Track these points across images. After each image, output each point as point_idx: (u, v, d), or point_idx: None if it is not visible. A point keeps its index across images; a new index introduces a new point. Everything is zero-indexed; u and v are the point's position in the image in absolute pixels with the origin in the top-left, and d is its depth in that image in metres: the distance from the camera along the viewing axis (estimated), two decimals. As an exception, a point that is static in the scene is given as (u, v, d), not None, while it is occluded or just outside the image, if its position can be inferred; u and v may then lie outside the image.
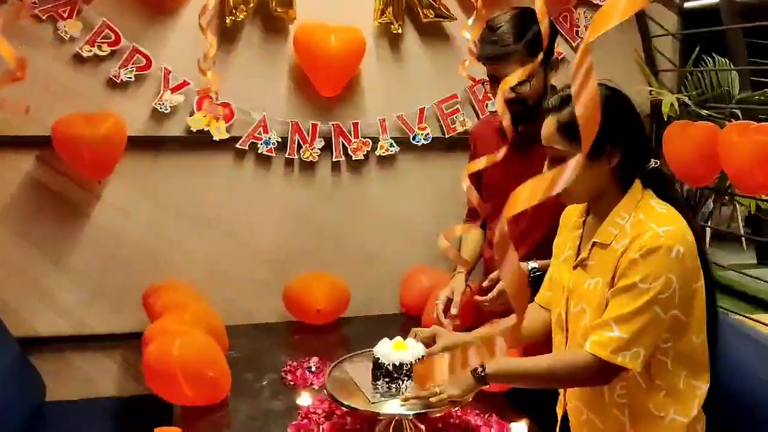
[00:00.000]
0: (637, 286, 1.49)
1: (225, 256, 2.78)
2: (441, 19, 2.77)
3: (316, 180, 2.83)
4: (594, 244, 1.63)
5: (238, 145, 2.71)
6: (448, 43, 2.84)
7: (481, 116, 2.88)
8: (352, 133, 2.78)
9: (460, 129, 2.86)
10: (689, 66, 3.08)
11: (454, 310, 2.12)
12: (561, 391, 1.79)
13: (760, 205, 4.00)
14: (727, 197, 3.43)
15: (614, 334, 1.51)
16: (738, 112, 2.73)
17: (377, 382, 1.76)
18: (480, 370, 1.62)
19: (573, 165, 0.87)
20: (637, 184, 1.62)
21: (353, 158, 2.80)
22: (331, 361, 2.21)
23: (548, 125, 1.61)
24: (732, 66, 3.12)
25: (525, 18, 2.04)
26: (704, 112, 2.74)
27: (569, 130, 1.56)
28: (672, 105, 2.71)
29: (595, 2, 2.83)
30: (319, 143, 2.77)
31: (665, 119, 2.74)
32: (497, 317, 2.15)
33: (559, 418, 1.82)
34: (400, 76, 2.83)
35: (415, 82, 2.85)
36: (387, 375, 1.75)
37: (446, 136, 2.87)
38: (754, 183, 2.43)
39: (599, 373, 1.54)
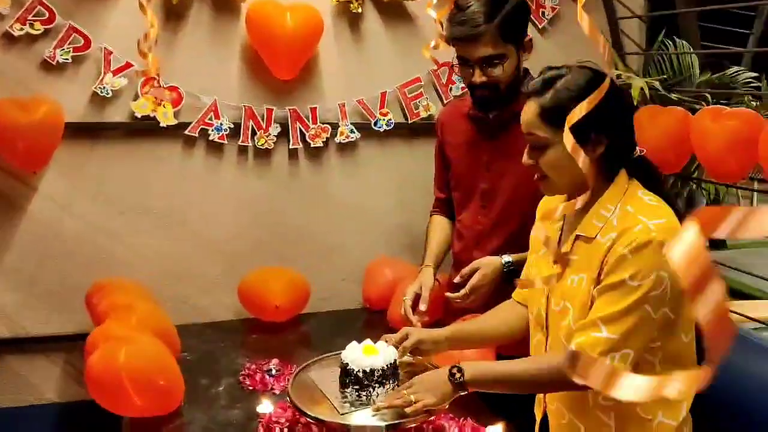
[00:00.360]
0: (627, 283, 1.39)
1: (174, 251, 2.60)
2: (403, -2, 2.62)
3: (272, 169, 2.66)
4: (577, 237, 1.53)
5: (187, 132, 2.52)
6: (410, 23, 2.70)
7: (445, 101, 2.75)
8: (310, 119, 2.63)
9: (423, 114, 2.73)
10: (655, 49, 3.01)
11: (422, 307, 2.00)
12: None
13: (719, 191, 4.00)
14: (693, 183, 3.39)
15: (602, 334, 1.41)
16: (708, 95, 2.66)
17: (346, 390, 1.63)
18: (458, 375, 1.51)
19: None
20: (623, 174, 1.52)
21: (311, 145, 2.64)
22: (292, 363, 2.09)
23: (529, 110, 1.50)
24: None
25: None
26: (674, 96, 2.67)
27: (552, 115, 1.45)
28: (642, 89, 2.62)
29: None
30: (275, 129, 2.60)
31: (634, 104, 2.66)
32: (467, 313, 2.05)
33: (538, 421, 1.72)
34: (360, 58, 2.68)
35: (376, 65, 2.70)
36: (356, 382, 1.61)
37: (409, 121, 2.73)
38: (728, 169, 2.37)
39: None
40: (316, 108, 2.62)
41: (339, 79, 2.67)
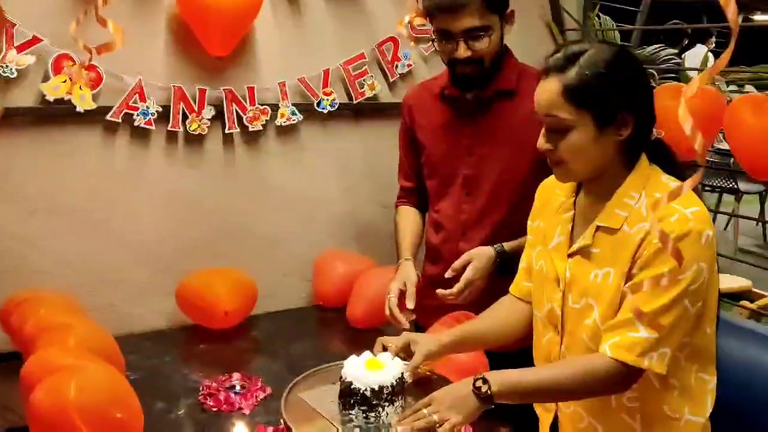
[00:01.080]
0: (666, 278, 1.28)
1: (97, 254, 2.27)
2: (345, -33, 2.40)
3: (206, 156, 2.38)
4: (598, 228, 1.41)
5: (108, 117, 2.19)
6: (352, -5, 2.49)
7: (391, 78, 2.56)
8: (248, 100, 2.36)
9: (369, 93, 2.53)
10: (591, 24, 2.96)
11: (410, 304, 1.82)
12: None
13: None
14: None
15: (640, 334, 1.30)
16: (654, 71, 2.64)
17: (351, 412, 1.43)
18: (484, 389, 1.35)
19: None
20: (644, 159, 1.41)
21: (249, 129, 2.38)
22: (255, 377, 1.87)
23: (549, 89, 1.35)
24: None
25: None
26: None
27: (578, 94, 1.31)
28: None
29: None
30: (209, 112, 2.32)
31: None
32: (444, 313, 1.90)
33: (547, 424, 1.60)
34: (300, 33, 2.44)
35: (318, 40, 2.47)
36: (363, 402, 1.42)
37: (354, 101, 2.53)
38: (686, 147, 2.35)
39: (622, 380, 1.33)
40: (253, 88, 2.36)
41: (278, 56, 2.42)
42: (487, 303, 1.74)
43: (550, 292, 1.50)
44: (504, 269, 1.80)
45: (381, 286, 2.19)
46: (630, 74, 1.35)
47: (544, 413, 1.61)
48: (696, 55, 4.69)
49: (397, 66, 2.57)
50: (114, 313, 2.26)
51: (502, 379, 1.37)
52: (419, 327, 2.16)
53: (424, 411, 1.35)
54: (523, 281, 1.66)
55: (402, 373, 1.47)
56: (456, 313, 1.85)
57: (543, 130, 1.40)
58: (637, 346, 1.29)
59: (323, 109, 2.47)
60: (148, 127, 2.24)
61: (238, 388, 1.83)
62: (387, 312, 1.83)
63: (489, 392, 1.34)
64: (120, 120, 2.21)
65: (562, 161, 1.38)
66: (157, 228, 2.34)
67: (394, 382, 1.44)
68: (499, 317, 1.66)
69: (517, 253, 1.84)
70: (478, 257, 1.80)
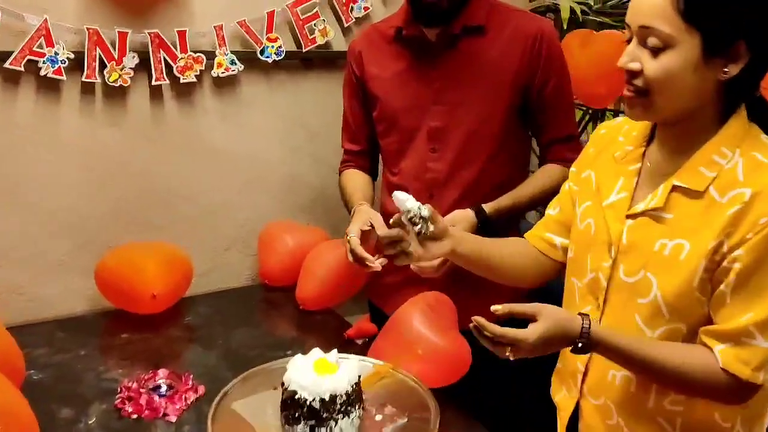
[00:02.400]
0: None
1: (2, 225, 1.93)
2: None
3: (130, 112, 2.03)
4: (675, 188, 1.13)
5: (7, 65, 1.83)
6: (302, -77, 2.14)
7: (346, 23, 2.24)
8: (178, 46, 2.01)
9: (320, 41, 2.20)
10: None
11: (382, 232, 1.42)
12: (573, 372, 1.30)
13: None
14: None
15: (758, 343, 1.05)
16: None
17: (296, 427, 1.15)
18: (585, 330, 1.11)
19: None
20: (743, 111, 1.13)
21: (181, 80, 2.04)
22: (185, 373, 1.57)
23: None
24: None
25: None
26: (607, 19, 2.34)
27: (692, 5, 1.02)
28: (573, 11, 2.27)
29: None
30: (131, 60, 1.97)
31: (564, 28, 2.30)
32: (412, 288, 1.64)
33: (565, 412, 1.33)
34: (239, -33, 2.09)
35: (260, -24, 2.13)
36: (311, 416, 1.14)
37: (303, 50, 2.19)
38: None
39: (736, 394, 1.10)
40: (185, 32, 2.01)
41: (214, -6, 2.07)
42: (464, 280, 1.48)
43: (598, 257, 1.23)
44: (486, 231, 1.53)
45: (334, 262, 1.94)
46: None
47: (563, 400, 1.34)
48: None
49: (352, 9, 2.24)
50: (20, 296, 1.94)
51: (602, 338, 1.12)
52: (375, 310, 1.90)
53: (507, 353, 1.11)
54: (545, 231, 1.41)
55: (359, 376, 1.19)
56: (429, 293, 1.59)
57: (628, 47, 1.11)
58: (755, 358, 1.06)
59: (267, 57, 2.14)
60: (57, 77, 1.88)
61: (164, 389, 1.54)
62: (349, 256, 1.53)
63: (587, 336, 1.11)
64: (22, 68, 1.84)
65: (647, 90, 1.09)
66: (73, 195, 2.00)
67: (350, 389, 1.16)
68: (509, 254, 1.41)
69: (498, 218, 1.58)
70: (460, 222, 1.52)
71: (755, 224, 1.03)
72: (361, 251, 1.54)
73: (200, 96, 2.11)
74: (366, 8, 2.26)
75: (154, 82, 2.01)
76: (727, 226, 1.05)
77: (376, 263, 1.54)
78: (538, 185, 1.72)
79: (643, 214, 1.16)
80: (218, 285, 2.18)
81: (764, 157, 1.07)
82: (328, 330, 1.86)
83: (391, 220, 1.29)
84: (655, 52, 1.06)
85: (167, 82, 2.03)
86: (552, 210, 1.42)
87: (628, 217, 1.19)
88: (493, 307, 1.13)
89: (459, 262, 1.38)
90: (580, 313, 1.15)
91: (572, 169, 1.39)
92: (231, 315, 1.96)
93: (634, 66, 1.09)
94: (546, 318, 1.13)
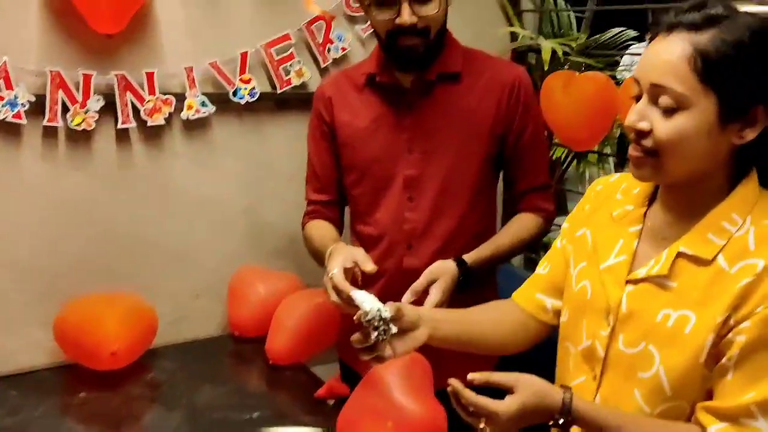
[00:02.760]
0: None
1: (-45, 276, 1.84)
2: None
3: (95, 157, 1.95)
4: (680, 255, 1.06)
5: (-36, 109, 1.76)
6: (276, -37, 2.08)
7: (323, 64, 2.17)
8: (146, 88, 1.94)
9: (296, 81, 2.13)
10: (548, 5, 2.64)
11: (369, 266, 1.39)
12: None
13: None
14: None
15: (758, 425, 0.97)
16: (618, 59, 2.33)
17: None
18: (566, 404, 1.04)
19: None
20: (754, 176, 1.06)
21: (149, 123, 1.96)
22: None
23: (672, 51, 0.99)
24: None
25: None
26: (589, 60, 2.30)
27: (710, 65, 0.96)
28: (554, 53, 2.22)
29: None
30: (96, 103, 1.89)
31: (545, 69, 2.25)
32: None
33: None
34: (211, 7, 2.02)
35: (234, 16, 2.05)
36: None
37: (278, 91, 2.13)
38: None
39: None
40: (153, 73, 1.94)
41: (185, 34, 1.99)
42: None
43: (594, 324, 1.15)
44: (463, 289, 1.45)
45: (307, 313, 1.87)
46: None
47: None
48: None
49: (329, 49, 2.18)
50: (-25, 351, 1.84)
51: (584, 413, 1.05)
52: (347, 368, 1.81)
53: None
54: (535, 291, 1.33)
55: None
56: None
57: (637, 105, 1.04)
58: None
59: (240, 99, 2.07)
60: (17, 121, 1.80)
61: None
62: (332, 296, 1.39)
63: (568, 412, 1.05)
64: (-20, 112, 1.77)
65: (657, 150, 1.02)
66: (35, 244, 1.91)
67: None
68: (492, 320, 1.33)
69: (479, 268, 1.50)
70: (443, 274, 1.44)
71: (766, 297, 0.96)
72: (347, 287, 1.38)
73: (169, 139, 2.04)
74: (344, 48, 2.20)
75: (120, 126, 1.93)
76: (736, 298, 0.98)
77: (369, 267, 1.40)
78: (516, 235, 1.66)
79: (645, 280, 1.09)
80: (186, 335, 2.09)
81: None
82: (298, 388, 1.77)
83: (354, 318, 1.20)
84: (668, 112, 1.00)
85: (134, 125, 1.95)
86: (542, 269, 1.35)
87: (628, 282, 1.11)
88: (469, 376, 1.07)
89: (438, 345, 1.29)
90: (561, 386, 1.09)
91: (564, 225, 1.32)
92: (197, 370, 1.87)
93: (644, 126, 1.02)
94: (524, 390, 1.06)
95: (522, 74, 1.65)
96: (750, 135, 1.00)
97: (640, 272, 1.10)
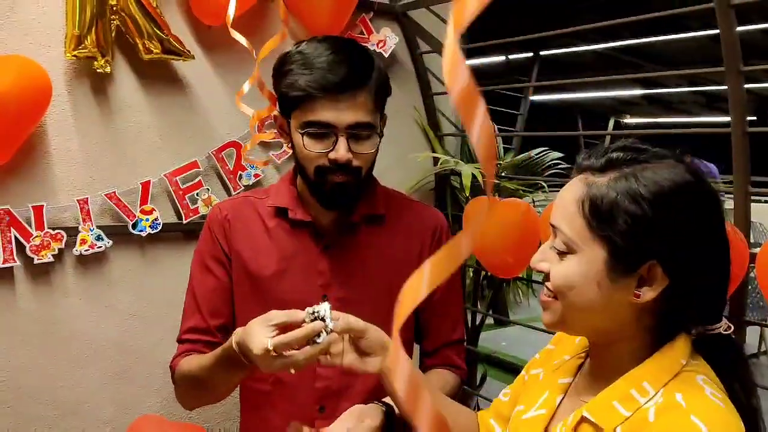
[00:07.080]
0: None
1: None
2: (171, 57, 1.90)
3: (-29, 299, 1.75)
4: (583, 419, 0.92)
5: None
6: (180, 88, 1.98)
7: (233, 191, 2.05)
8: (33, 223, 1.77)
9: (203, 211, 1.99)
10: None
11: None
12: None
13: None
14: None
15: None
16: (543, 183, 2.29)
17: None
18: None
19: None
20: (683, 341, 0.92)
21: (35, 261, 1.78)
22: None
23: (571, 190, 0.93)
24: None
25: (360, 46, 1.36)
26: (512, 185, 2.25)
27: (597, 212, 0.89)
28: (474, 178, 2.16)
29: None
30: (-25, 240, 1.71)
31: (467, 194, 2.19)
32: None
33: None
34: (110, 134, 1.89)
35: (135, 145, 1.93)
36: None
37: (184, 221, 1.98)
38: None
39: None
40: (42, 207, 1.78)
41: (78, 165, 1.85)
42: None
43: None
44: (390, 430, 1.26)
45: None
46: (683, 205, 0.88)
47: None
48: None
49: (241, 177, 2.07)
50: None
51: None
52: None
53: None
54: (491, 416, 1.21)
55: None
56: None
57: (542, 245, 0.97)
58: None
59: (141, 231, 1.91)
60: None
61: None
62: (275, 365, 1.11)
63: None
64: None
65: (552, 294, 0.94)
66: None
67: None
68: (454, 424, 1.17)
69: (405, 420, 1.32)
70: (369, 416, 1.24)
71: None
72: (298, 313, 1.14)
73: (60, 277, 1.85)
74: (257, 175, 2.09)
75: (2, 265, 1.74)
76: None
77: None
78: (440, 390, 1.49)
79: None
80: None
81: (684, 399, 0.85)
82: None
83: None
84: (561, 254, 0.92)
85: (19, 263, 1.76)
86: (503, 396, 1.23)
87: None
88: None
89: (386, 390, 1.18)
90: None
91: (536, 356, 1.20)
92: None
93: (543, 267, 0.95)
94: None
95: (442, 219, 1.53)
96: (649, 295, 0.88)
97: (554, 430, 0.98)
